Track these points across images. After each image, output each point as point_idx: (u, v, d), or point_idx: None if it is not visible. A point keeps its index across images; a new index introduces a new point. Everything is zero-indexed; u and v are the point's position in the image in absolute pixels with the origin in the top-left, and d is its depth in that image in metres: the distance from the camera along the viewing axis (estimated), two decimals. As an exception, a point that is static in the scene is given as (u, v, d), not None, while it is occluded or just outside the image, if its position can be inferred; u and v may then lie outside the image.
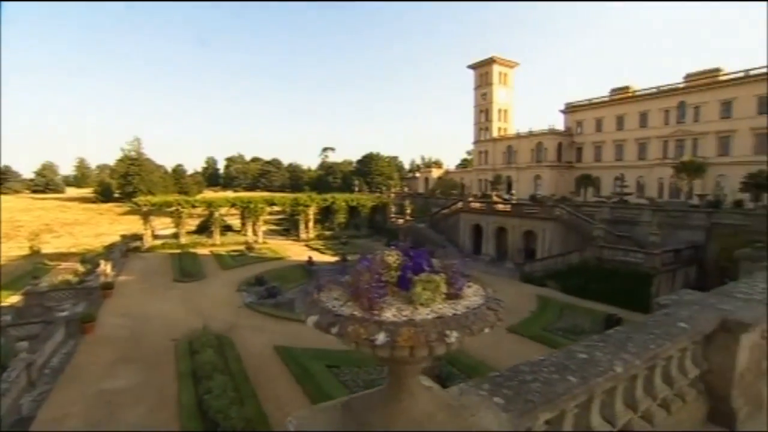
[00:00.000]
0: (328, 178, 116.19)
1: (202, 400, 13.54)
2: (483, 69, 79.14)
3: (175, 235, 48.05)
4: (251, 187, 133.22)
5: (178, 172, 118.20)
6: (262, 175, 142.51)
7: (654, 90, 60.20)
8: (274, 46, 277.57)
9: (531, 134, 71.45)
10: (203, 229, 52.19)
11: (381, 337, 1.20)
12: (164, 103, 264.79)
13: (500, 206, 43.98)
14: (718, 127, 52.53)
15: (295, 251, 44.85)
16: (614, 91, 66.94)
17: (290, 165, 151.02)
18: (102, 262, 31.13)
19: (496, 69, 77.53)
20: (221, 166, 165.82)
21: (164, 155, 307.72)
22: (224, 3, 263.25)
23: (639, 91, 63.05)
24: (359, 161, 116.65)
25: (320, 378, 15.54)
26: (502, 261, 39.52)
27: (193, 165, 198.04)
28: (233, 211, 55.26)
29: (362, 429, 1.57)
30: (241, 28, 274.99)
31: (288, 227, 60.65)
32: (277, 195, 68.69)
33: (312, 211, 56.90)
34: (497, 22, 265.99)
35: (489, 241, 42.69)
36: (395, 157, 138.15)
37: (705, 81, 54.73)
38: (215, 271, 35.24)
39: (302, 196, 60.92)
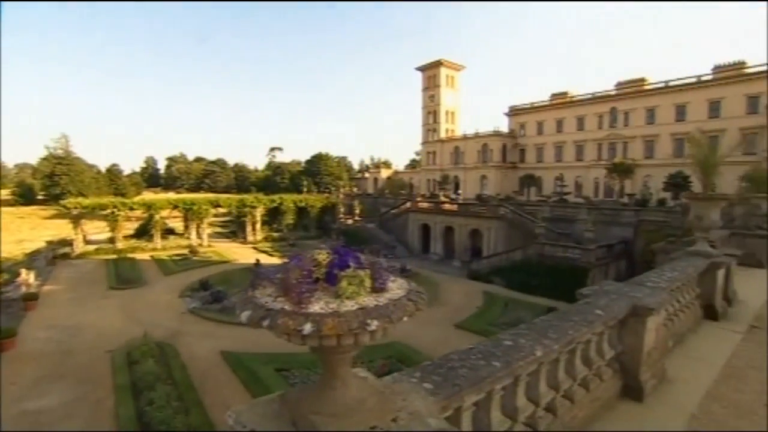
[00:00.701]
0: (276, 178, 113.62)
1: (144, 413, 12.88)
2: (431, 71, 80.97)
3: (111, 240, 44.99)
4: (195, 188, 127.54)
5: (113, 172, 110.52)
6: (206, 175, 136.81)
7: (589, 96, 64.53)
8: (219, 44, 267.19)
9: (477, 136, 74.07)
10: (143, 232, 49.27)
11: (307, 327, 1.31)
12: (95, 101, 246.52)
13: (447, 206, 45.26)
14: (644, 132, 57.32)
15: (242, 254, 43.54)
16: (554, 95, 70.99)
17: (236, 165, 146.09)
18: (23, 271, 28.60)
19: (443, 72, 79.58)
20: (162, 166, 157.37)
21: (99, 155, 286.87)
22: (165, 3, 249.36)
23: (576, 96, 67.33)
24: (308, 161, 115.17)
25: (269, 382, 15.28)
26: (450, 259, 40.67)
27: (131, 165, 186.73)
28: (175, 213, 52.58)
29: (297, 417, 1.67)
30: (182, 26, 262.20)
31: (234, 229, 58.76)
32: (223, 196, 66.28)
33: (259, 213, 55.52)
34: (447, 23, 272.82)
35: (437, 240, 43.77)
36: (344, 158, 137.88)
37: (633, 89, 59.56)
38: (156, 277, 33.47)
39: (249, 197, 59.26)
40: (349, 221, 52.80)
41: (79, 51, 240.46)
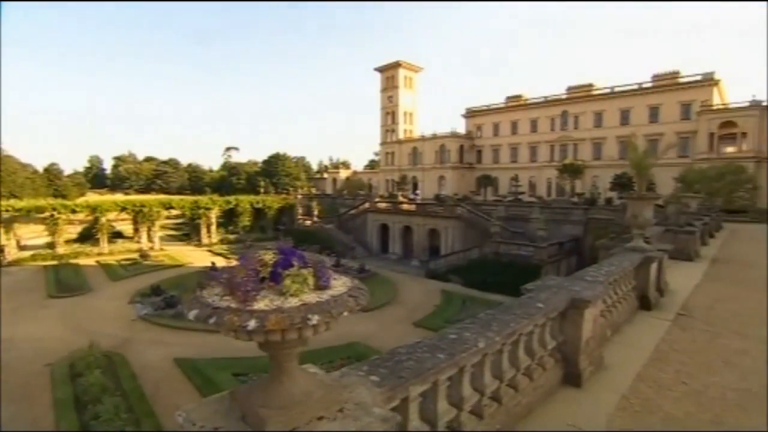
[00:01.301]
0: (232, 179, 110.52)
1: (89, 427, 12.23)
2: (389, 72, 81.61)
3: (51, 245, 42.05)
4: (145, 189, 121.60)
5: (52, 172, 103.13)
6: (158, 176, 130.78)
7: (542, 99, 67.40)
8: (175, 41, 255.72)
9: (435, 137, 75.45)
10: (87, 236, 46.40)
11: (252, 324, 1.38)
12: (28, 96, 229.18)
13: (406, 206, 45.85)
14: (593, 134, 60.64)
15: (197, 257, 42.07)
16: (509, 98, 73.54)
17: (189, 165, 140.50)
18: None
19: (401, 73, 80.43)
20: (108, 166, 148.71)
21: (35, 154, 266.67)
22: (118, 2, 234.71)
23: (530, 99, 70.11)
24: (265, 162, 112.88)
25: (226, 387, 14.62)
26: (408, 259, 41.22)
27: (72, 165, 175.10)
28: (124, 215, 49.98)
29: (246, 411, 1.73)
30: (137, 23, 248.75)
31: (188, 232, 56.69)
32: (176, 197, 63.70)
33: (214, 214, 53.88)
34: (406, 24, 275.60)
35: (396, 240, 44.24)
36: (303, 158, 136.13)
37: (582, 94, 62.86)
38: (103, 283, 31.70)
39: (203, 199, 57.42)
40: (308, 222, 52.30)
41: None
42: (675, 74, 55.68)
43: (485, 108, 74.91)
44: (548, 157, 65.04)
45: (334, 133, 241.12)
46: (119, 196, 78.53)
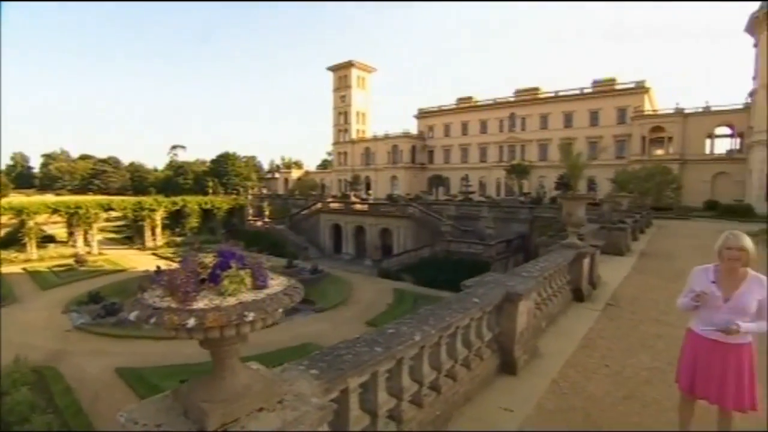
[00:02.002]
0: (178, 179, 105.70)
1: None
2: (342, 72, 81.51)
3: (-33, 252, 38.32)
4: (81, 190, 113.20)
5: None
6: (95, 175, 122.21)
7: (491, 102, 69.91)
8: (116, 35, 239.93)
9: (387, 137, 76.25)
10: (11, 241, 42.63)
11: (191, 322, 1.48)
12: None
13: (358, 206, 46.08)
14: (539, 136, 63.77)
15: (141, 261, 39.97)
16: (460, 100, 75.62)
17: (132, 165, 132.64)
18: None
19: (354, 73, 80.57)
20: (36, 164, 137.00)
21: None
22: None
23: (479, 101, 72.52)
24: (213, 161, 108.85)
25: (173, 396, 14.35)
26: (361, 259, 41.47)
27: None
28: (56, 218, 46.43)
29: (188, 407, 1.81)
30: (74, 17, 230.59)
31: (131, 235, 53.69)
32: (116, 199, 60.07)
33: (159, 216, 51.39)
34: (360, 24, 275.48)
35: (348, 240, 44.36)
36: (253, 157, 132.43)
37: (529, 97, 65.90)
38: (32, 292, 29.35)
39: (147, 200, 54.55)
40: (259, 223, 51.19)
41: None
42: (612, 81, 59.79)
43: (436, 109, 76.68)
44: (497, 158, 67.64)
45: (287, 133, 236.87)
46: (50, 197, 72.64)
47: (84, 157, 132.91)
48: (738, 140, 48.69)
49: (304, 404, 1.97)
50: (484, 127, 70.18)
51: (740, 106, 47.01)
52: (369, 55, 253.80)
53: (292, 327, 21.49)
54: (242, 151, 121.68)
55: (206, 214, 56.96)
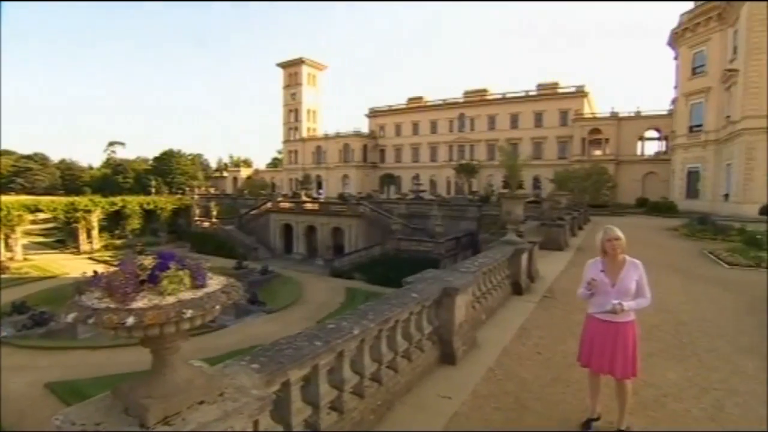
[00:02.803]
0: (117, 177, 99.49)
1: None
2: (292, 69, 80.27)
3: None
4: (1, 189, 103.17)
5: None
6: (18, 173, 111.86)
7: (441, 102, 71.51)
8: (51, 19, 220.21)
9: (338, 136, 76.05)
10: None
11: (130, 320, 1.56)
12: None
13: (309, 205, 45.72)
14: (487, 136, 66.06)
15: (75, 266, 37.20)
16: (410, 100, 76.73)
17: (62, 162, 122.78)
18: None
19: (305, 70, 79.58)
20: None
21: None
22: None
23: (430, 102, 73.96)
24: (156, 159, 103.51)
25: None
26: (313, 258, 41.22)
27: None
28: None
29: (129, 405, 1.87)
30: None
31: (63, 238, 49.98)
32: (45, 199, 55.51)
33: (96, 217, 48.23)
34: (310, 22, 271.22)
35: (300, 240, 43.94)
36: (199, 155, 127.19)
37: (477, 98, 68.06)
38: (-59, 305, 26.51)
39: (82, 200, 51.02)
40: (206, 224, 49.33)
41: None
42: (555, 85, 63.16)
43: (387, 108, 77.40)
44: (447, 157, 69.39)
45: (236, 130, 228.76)
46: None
47: (4, 153, 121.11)
48: (664, 143, 53.13)
49: (245, 396, 2.08)
50: (434, 127, 71.71)
51: (665, 112, 51.34)
52: (322, 54, 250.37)
53: (243, 329, 21.05)
54: (188, 149, 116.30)
55: (149, 215, 54.23)
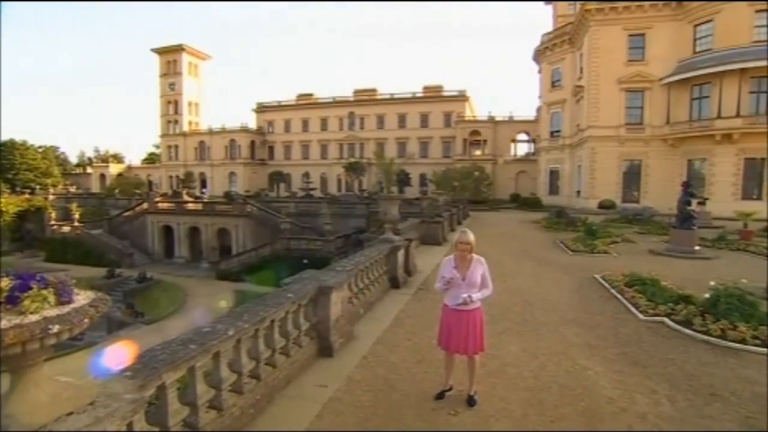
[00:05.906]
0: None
1: None
2: (171, 56, 73.54)
3: None
4: None
5: None
6: None
7: (331, 99, 71.72)
8: None
9: (224, 131, 71.96)
10: None
11: (-13, 341, 1.63)
12: None
13: (192, 205, 42.67)
14: (376, 135, 68.12)
15: None
16: (300, 96, 75.52)
17: None
18: None
19: (185, 58, 73.54)
20: None
21: None
22: None
23: (320, 99, 73.66)
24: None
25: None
26: (197, 262, 38.63)
27: None
28: None
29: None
30: None
31: None
32: None
33: None
34: (189, 16, 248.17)
35: (182, 243, 40.79)
36: (54, 148, 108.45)
37: (366, 98, 69.74)
38: None
39: None
40: (66, 228, 42.72)
41: None
42: (439, 88, 67.76)
43: (276, 104, 75.33)
44: (338, 155, 70.07)
45: (102, 121, 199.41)
46: None
47: None
48: (533, 145, 60.69)
49: (117, 401, 2.21)
50: (324, 124, 71.77)
51: (532, 118, 58.69)
52: (206, 45, 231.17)
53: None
54: (37, 140, 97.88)
55: (-20, 219, 45.09)
